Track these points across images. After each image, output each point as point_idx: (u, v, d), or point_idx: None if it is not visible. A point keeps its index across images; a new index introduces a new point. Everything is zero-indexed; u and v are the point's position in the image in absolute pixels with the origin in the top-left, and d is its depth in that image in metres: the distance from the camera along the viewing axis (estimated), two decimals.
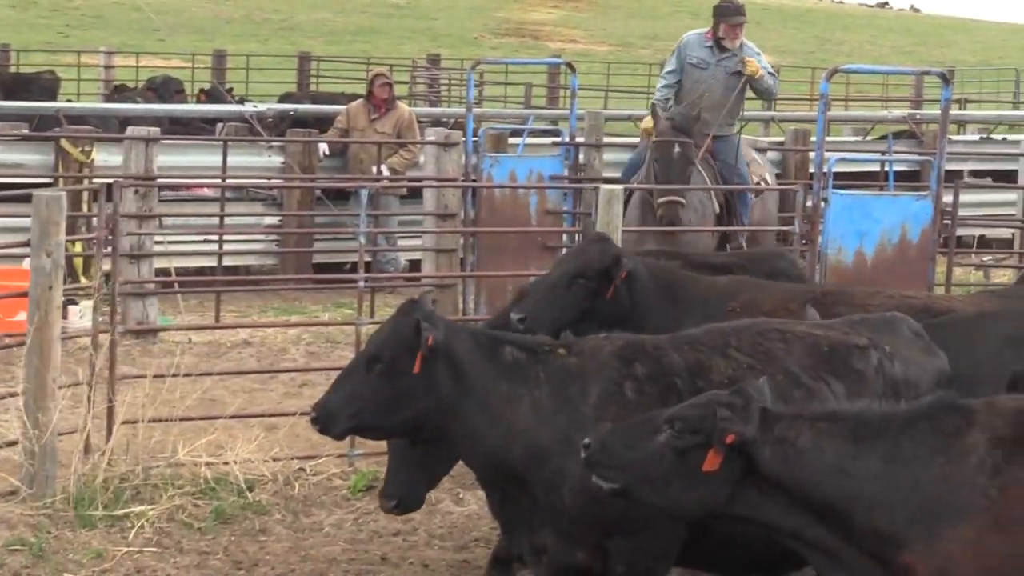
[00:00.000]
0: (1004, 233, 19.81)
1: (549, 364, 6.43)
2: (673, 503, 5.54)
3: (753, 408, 5.45)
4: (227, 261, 15.92)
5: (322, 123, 19.44)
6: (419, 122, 18.78)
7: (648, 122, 14.16)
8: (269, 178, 17.00)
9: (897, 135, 23.06)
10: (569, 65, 16.41)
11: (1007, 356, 7.38)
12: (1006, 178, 20.31)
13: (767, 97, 15.12)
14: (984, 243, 19.96)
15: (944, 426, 5.34)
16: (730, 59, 14.19)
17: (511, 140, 16.83)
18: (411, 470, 7.36)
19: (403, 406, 6.28)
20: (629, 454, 5.53)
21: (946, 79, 12.57)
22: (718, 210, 13.93)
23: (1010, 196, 19.13)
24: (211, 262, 15.71)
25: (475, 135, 15.53)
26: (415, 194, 16.86)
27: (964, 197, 15.19)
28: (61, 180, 15.06)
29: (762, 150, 17.83)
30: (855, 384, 6.64)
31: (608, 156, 17.80)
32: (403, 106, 18.14)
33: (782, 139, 20.85)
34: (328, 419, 6.37)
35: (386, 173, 16.81)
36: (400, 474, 7.40)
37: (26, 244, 9.33)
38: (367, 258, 13.40)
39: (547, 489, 6.31)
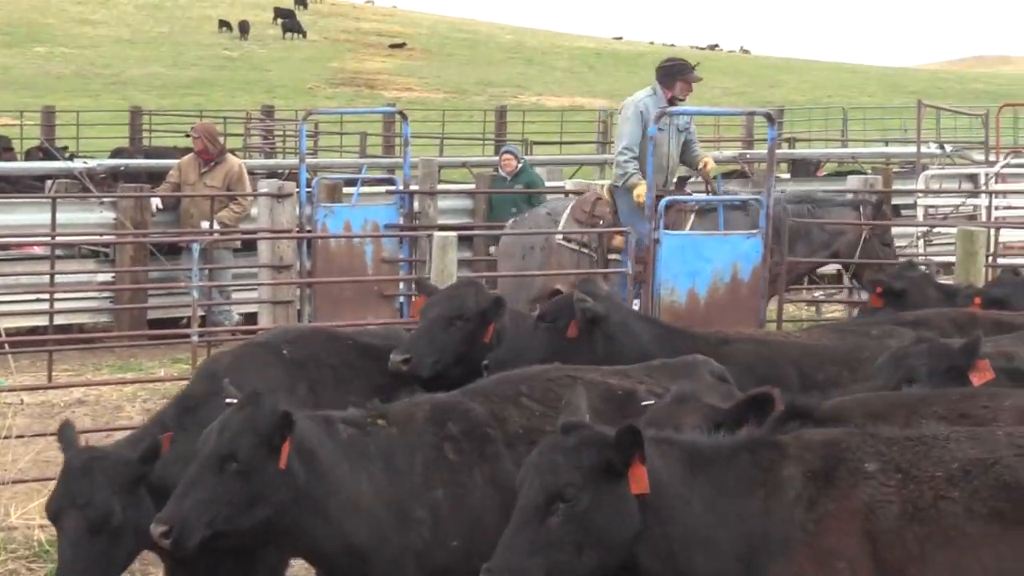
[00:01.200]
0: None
1: (376, 437, 6.21)
2: (598, 565, 5.18)
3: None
4: (59, 319, 15.68)
5: (155, 178, 19.26)
6: (253, 174, 18.68)
7: (641, 192, 13.48)
8: (101, 234, 16.79)
9: (729, 175, 23.38)
10: (401, 113, 16.44)
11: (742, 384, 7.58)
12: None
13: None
14: (814, 279, 20.24)
15: (762, 460, 5.38)
16: (675, 115, 13.84)
17: (346, 190, 16.79)
18: (86, 560, 6.32)
19: (262, 505, 5.82)
20: (540, 558, 5.12)
21: (772, 119, 12.77)
22: None
23: None
24: (43, 321, 15.46)
25: (309, 186, 15.49)
26: (250, 246, 16.75)
27: None
28: None
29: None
30: None
31: (443, 203, 17.87)
32: (232, 158, 18.00)
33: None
34: (185, 531, 5.72)
35: (217, 227, 16.68)
36: (77, 563, 6.31)
37: None
38: (201, 312, 13.30)
39: (392, 567, 6.10)
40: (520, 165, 19.51)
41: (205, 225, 16.55)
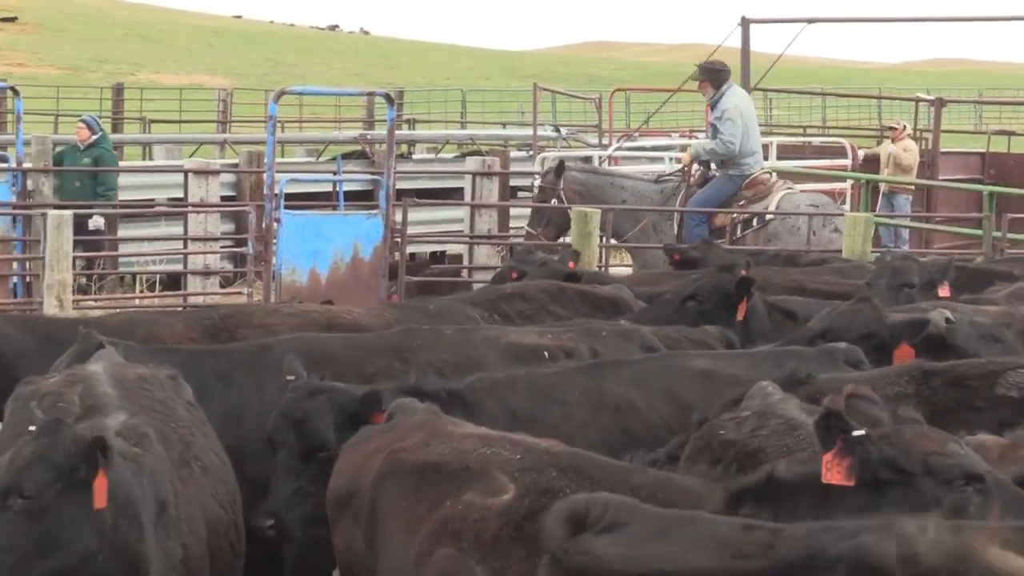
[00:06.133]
0: (455, 249, 20.42)
1: (145, 469, 5.36)
2: None
3: None
4: None
5: None
6: None
7: None
8: None
9: (350, 155, 23.48)
10: (13, 89, 16.00)
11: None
12: (454, 195, 20.97)
13: (720, 158, 15.87)
14: (436, 259, 20.53)
15: None
16: (711, 113, 16.06)
17: None
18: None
19: (59, 552, 5.03)
20: None
21: (391, 100, 12.89)
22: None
23: (458, 213, 19.73)
24: None
25: None
26: None
27: (414, 215, 15.56)
28: None
29: (215, 172, 17.89)
30: None
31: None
32: None
33: (236, 161, 20.91)
34: None
35: None
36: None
37: None
38: None
39: None
40: (95, 137, 18.18)
41: None
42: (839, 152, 23.32)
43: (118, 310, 11.46)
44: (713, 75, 15.87)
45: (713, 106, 15.87)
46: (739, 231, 15.57)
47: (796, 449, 5.34)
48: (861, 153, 23.24)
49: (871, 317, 8.05)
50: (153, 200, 19.36)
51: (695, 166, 15.90)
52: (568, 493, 4.96)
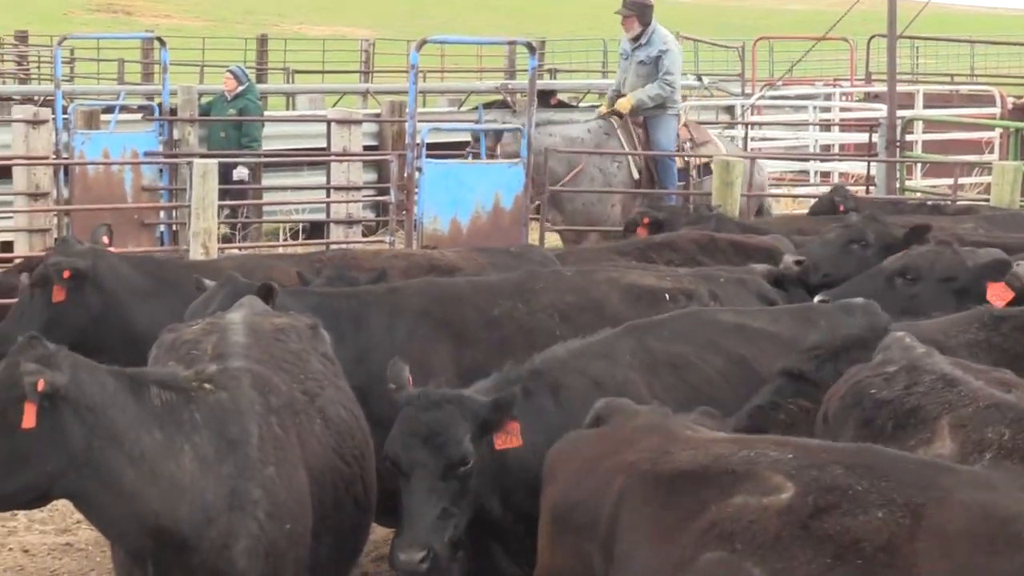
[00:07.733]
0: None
1: (203, 403, 5.52)
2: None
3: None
4: None
5: None
6: (7, 100, 18.21)
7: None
8: None
9: (491, 105, 23.50)
10: (159, 39, 16.21)
11: (421, 331, 7.45)
12: None
13: (663, 100, 15.13)
14: None
15: None
16: (642, 49, 15.13)
17: (103, 117, 16.49)
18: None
19: (20, 470, 5.12)
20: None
21: (532, 48, 12.86)
22: (636, 175, 14.76)
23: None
24: None
25: (65, 112, 15.18)
26: (4, 173, 16.36)
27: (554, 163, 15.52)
28: None
29: (357, 121, 17.99)
30: None
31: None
32: None
33: (379, 111, 21.02)
34: None
35: None
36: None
37: None
38: None
39: (216, 553, 5.39)
40: (242, 88, 17.79)
41: None
42: (988, 100, 22.95)
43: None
44: (642, 10, 15.15)
45: (645, 43, 15.08)
46: (697, 175, 15.17)
47: (959, 406, 5.19)
48: (1010, 101, 22.86)
49: (954, 260, 8.04)
50: (306, 149, 19.49)
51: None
52: (859, 490, 4.65)
